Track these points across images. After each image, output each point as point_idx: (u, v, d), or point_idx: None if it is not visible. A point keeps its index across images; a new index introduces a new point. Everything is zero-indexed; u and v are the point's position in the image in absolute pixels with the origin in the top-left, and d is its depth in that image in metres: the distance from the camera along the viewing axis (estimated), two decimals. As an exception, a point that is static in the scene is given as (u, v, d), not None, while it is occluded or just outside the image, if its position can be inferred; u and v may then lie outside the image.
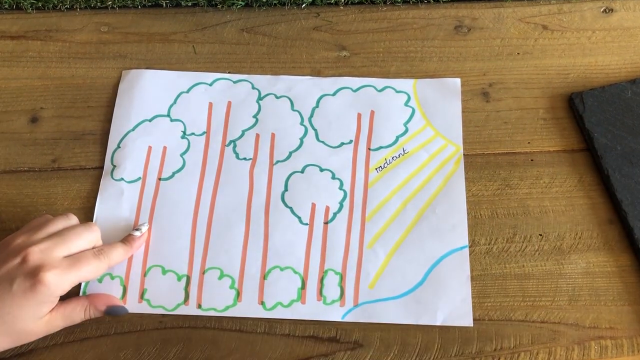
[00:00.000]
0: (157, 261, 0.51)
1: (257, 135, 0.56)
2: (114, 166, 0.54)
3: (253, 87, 0.58)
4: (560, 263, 0.50)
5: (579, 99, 0.56)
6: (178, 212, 0.52)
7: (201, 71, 0.59)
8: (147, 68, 0.59)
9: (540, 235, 0.51)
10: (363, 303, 0.49)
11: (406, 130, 0.56)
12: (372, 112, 0.57)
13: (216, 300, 0.49)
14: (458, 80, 0.58)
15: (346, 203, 0.53)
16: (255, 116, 0.57)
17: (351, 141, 0.55)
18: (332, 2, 0.63)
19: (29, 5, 0.62)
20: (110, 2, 0.62)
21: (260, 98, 0.58)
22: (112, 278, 0.50)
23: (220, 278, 0.50)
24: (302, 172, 0.54)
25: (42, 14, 0.63)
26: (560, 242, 0.51)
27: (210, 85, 0.58)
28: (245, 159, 0.55)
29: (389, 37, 0.61)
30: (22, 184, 0.54)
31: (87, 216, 0.53)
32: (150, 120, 0.56)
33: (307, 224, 0.52)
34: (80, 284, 0.49)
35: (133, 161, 0.55)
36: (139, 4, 0.63)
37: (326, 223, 0.52)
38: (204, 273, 0.50)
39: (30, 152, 0.56)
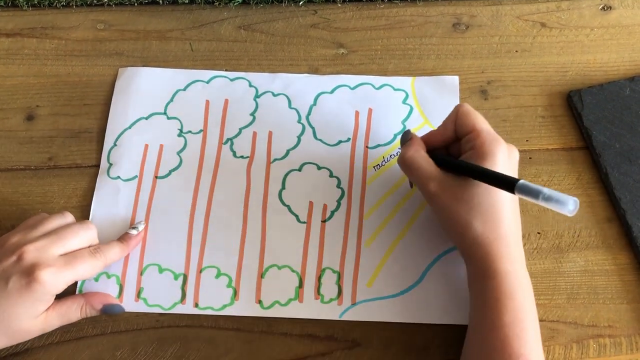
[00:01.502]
0: (154, 260, 0.51)
1: (255, 133, 0.55)
2: (111, 164, 0.54)
3: (250, 85, 0.58)
4: (558, 261, 0.50)
5: (577, 96, 0.56)
6: (175, 211, 0.52)
7: (198, 69, 0.59)
8: (143, 66, 0.59)
9: (539, 233, 0.51)
10: (361, 301, 0.49)
11: (404, 128, 0.55)
12: (370, 110, 0.56)
13: (213, 299, 0.49)
14: (456, 78, 0.58)
15: (344, 201, 0.53)
16: (252, 114, 0.56)
17: (349, 139, 0.55)
18: (330, -1, 0.62)
19: (24, 3, 0.62)
20: (106, 0, 0.62)
21: (257, 96, 0.57)
22: (109, 277, 0.50)
23: (217, 277, 0.50)
24: (299, 170, 0.54)
25: (38, 11, 0.62)
26: (558, 240, 0.51)
27: (207, 82, 0.58)
28: (242, 157, 0.55)
29: (386, 34, 0.60)
30: (18, 183, 0.54)
31: (83, 214, 0.52)
32: (146, 118, 0.56)
33: (304, 222, 0.52)
34: (76, 283, 0.49)
35: (129, 159, 0.54)
36: (135, 1, 0.62)
37: (324, 221, 0.52)
38: (200, 272, 0.50)
39: (26, 150, 0.55)
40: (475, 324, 0.44)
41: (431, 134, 0.49)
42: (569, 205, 0.38)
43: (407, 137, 0.49)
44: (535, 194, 0.39)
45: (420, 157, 0.46)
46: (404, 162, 0.47)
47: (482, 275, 0.43)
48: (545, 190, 0.39)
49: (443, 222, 0.46)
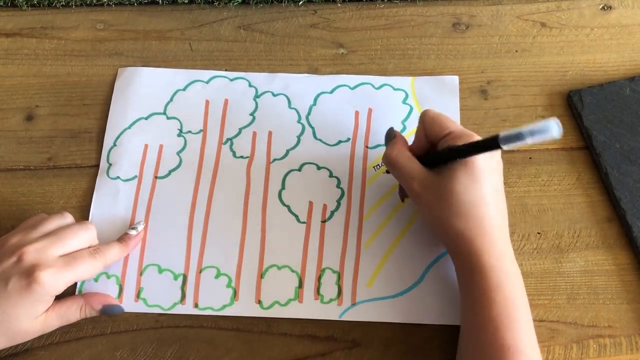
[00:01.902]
0: (154, 260, 0.50)
1: (254, 133, 0.55)
2: (110, 164, 0.54)
3: (250, 85, 0.58)
4: (558, 261, 0.50)
5: (577, 96, 0.56)
6: (174, 211, 0.52)
7: (198, 69, 0.59)
8: (143, 66, 0.59)
9: (539, 233, 0.51)
10: (361, 302, 0.49)
11: (404, 128, 0.55)
12: (370, 110, 0.56)
13: (213, 299, 0.49)
14: (456, 78, 0.58)
15: (344, 201, 0.52)
16: (252, 114, 0.56)
17: (349, 139, 0.55)
18: (330, -1, 0.62)
19: (24, 2, 0.62)
20: (106, 0, 0.62)
21: (257, 96, 0.57)
22: (108, 277, 0.50)
23: (217, 277, 0.50)
24: (299, 170, 0.54)
25: (38, 11, 0.62)
26: (558, 240, 0.51)
27: (207, 82, 0.58)
28: (242, 157, 0.54)
29: (386, 34, 0.60)
30: (18, 183, 0.54)
31: (83, 215, 0.52)
32: (146, 118, 0.56)
33: (304, 223, 0.52)
34: (76, 283, 0.49)
35: (129, 159, 0.54)
36: (135, 1, 0.62)
37: (324, 221, 0.52)
38: (200, 272, 0.50)
39: (25, 150, 0.55)
40: (466, 321, 0.44)
41: (409, 148, 0.48)
42: (552, 130, 0.37)
43: (391, 135, 0.49)
44: (520, 137, 0.38)
45: (405, 156, 0.47)
46: (389, 162, 0.47)
47: (468, 272, 0.43)
48: (526, 129, 0.38)
49: (427, 220, 0.46)
